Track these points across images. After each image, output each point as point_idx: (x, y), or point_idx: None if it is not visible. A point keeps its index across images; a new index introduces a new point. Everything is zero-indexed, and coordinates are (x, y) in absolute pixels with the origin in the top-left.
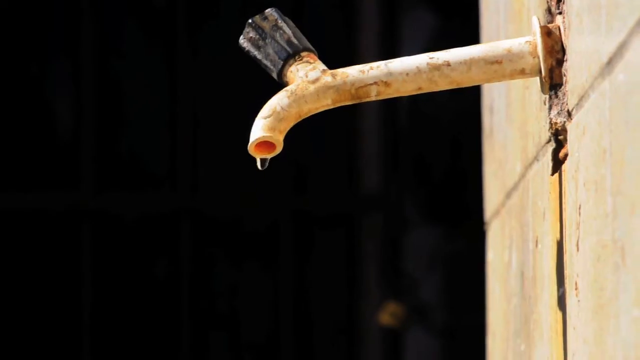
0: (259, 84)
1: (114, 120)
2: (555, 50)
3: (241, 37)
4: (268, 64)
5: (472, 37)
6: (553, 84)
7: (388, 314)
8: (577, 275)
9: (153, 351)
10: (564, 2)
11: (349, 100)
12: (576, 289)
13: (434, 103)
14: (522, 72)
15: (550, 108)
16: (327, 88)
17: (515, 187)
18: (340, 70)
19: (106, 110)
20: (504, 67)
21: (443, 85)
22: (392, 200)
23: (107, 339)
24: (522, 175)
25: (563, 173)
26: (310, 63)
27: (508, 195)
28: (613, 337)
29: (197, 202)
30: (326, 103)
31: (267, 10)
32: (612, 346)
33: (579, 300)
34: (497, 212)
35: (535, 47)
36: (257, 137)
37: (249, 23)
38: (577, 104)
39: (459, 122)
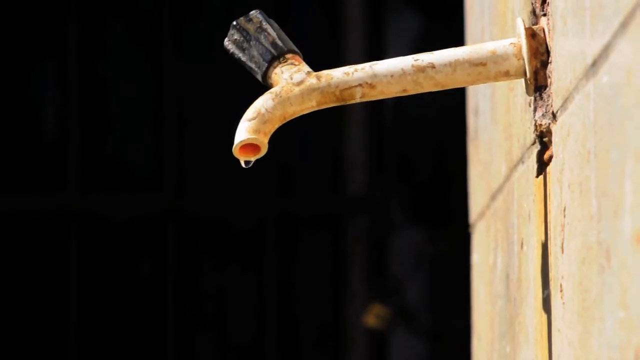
0: (244, 86)
1: (100, 122)
2: (539, 52)
3: (226, 39)
4: (252, 66)
5: (457, 39)
6: (538, 85)
7: (373, 316)
8: (562, 278)
9: (139, 352)
10: (548, 4)
11: (334, 102)
12: (561, 291)
13: (418, 105)
14: (507, 74)
15: (535, 110)
16: (312, 90)
17: (500, 189)
18: (325, 72)
19: (92, 111)
20: (488, 69)
21: (428, 87)
22: (377, 202)
23: (94, 341)
24: (507, 177)
25: (548, 175)
26: (295, 65)
27: (493, 197)
28: (598, 339)
29: (182, 203)
30: (311, 105)
31: (251, 12)
32: (597, 348)
33: (564, 303)
34: (482, 214)
35: (520, 49)
36: (241, 139)
37: (234, 25)
38: (562, 106)
39: (444, 124)
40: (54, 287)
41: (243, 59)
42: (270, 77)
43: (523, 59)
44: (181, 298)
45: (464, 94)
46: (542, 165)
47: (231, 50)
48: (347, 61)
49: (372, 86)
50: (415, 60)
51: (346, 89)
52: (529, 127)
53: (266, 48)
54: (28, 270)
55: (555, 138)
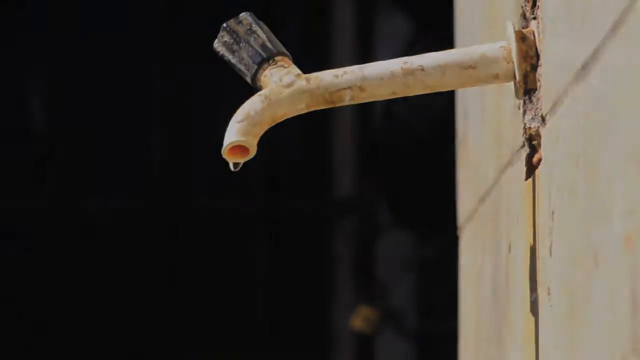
0: (234, 88)
1: (86, 122)
2: (529, 55)
3: (215, 41)
4: (242, 68)
5: (446, 42)
6: (527, 89)
7: (361, 318)
8: (550, 281)
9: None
10: (538, 8)
11: (323, 105)
12: (549, 294)
13: (407, 107)
14: (497, 77)
15: (524, 113)
16: (301, 92)
17: (488, 192)
18: (314, 75)
19: (81, 113)
20: (478, 72)
21: (417, 90)
22: (365, 204)
23: None
24: (496, 180)
25: (537, 178)
26: (285, 67)
27: (481, 200)
28: (586, 342)
29: (171, 200)
30: (300, 107)
31: (241, 15)
32: (584, 351)
33: (551, 306)
34: (470, 217)
35: (510, 52)
36: (230, 141)
37: (224, 27)
38: (551, 109)
39: (433, 127)
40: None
41: (233, 61)
42: (259, 80)
43: (513, 62)
44: (171, 299)
45: (453, 97)
46: (531, 169)
47: (221, 52)
48: (337, 64)
49: (361, 89)
50: (404, 63)
51: (335, 91)
52: (518, 130)
53: (256, 50)
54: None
55: (544, 141)
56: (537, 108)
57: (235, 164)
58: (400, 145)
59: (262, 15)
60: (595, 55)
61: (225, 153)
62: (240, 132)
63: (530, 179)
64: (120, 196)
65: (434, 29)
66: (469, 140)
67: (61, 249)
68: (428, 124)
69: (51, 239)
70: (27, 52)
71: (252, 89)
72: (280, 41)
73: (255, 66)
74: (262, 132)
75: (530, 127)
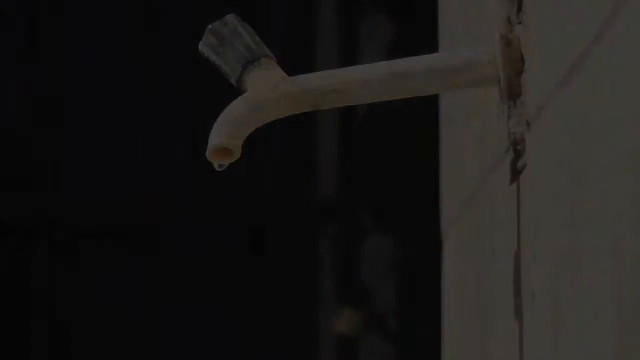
0: (218, 90)
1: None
2: (514, 60)
3: (200, 42)
4: (227, 70)
5: (430, 45)
6: (512, 93)
7: (344, 322)
8: (534, 286)
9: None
10: (524, 12)
11: (308, 108)
12: (533, 299)
13: (391, 111)
14: (481, 82)
15: (509, 118)
16: (286, 95)
17: (472, 196)
18: (299, 78)
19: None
20: (463, 76)
21: (402, 94)
22: (348, 208)
23: None
24: (480, 185)
25: (521, 183)
26: (269, 70)
27: (465, 204)
28: (570, 349)
29: (158, 212)
30: (284, 110)
31: (226, 16)
32: (570, 358)
33: (536, 311)
34: (454, 222)
35: (495, 56)
36: (215, 143)
37: (209, 29)
38: (536, 114)
39: (416, 131)
40: None
41: (217, 62)
42: (244, 82)
43: (497, 67)
44: (154, 307)
45: (437, 101)
46: (516, 174)
47: (206, 54)
48: (321, 65)
49: (346, 92)
50: (389, 66)
51: (320, 94)
52: (502, 135)
53: (240, 52)
54: None
55: (529, 146)
56: (521, 113)
57: (220, 166)
58: (384, 149)
59: (245, 18)
60: (580, 60)
61: (209, 155)
62: (225, 134)
63: (514, 184)
64: (101, 198)
65: (418, 30)
66: (453, 144)
67: (41, 252)
68: (412, 127)
69: (28, 243)
70: (8, 53)
71: (237, 91)
72: (265, 43)
73: (240, 68)
74: (246, 135)
75: (514, 132)
